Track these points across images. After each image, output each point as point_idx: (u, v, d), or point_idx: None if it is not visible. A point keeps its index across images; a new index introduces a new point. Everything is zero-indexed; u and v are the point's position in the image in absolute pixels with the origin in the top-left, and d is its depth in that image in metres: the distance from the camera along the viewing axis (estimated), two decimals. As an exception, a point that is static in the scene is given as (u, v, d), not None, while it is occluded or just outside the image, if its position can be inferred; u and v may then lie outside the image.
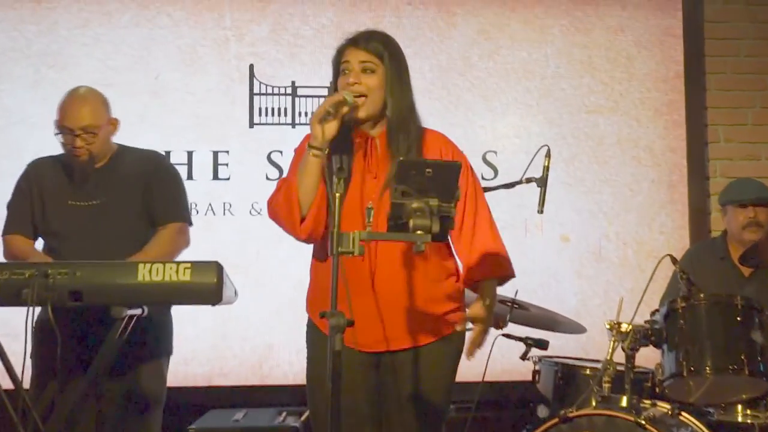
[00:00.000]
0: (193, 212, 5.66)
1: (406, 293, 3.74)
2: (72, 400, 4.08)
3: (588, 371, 4.93)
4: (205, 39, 6.71)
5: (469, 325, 3.82)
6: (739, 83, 7.00)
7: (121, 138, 4.76)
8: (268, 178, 6.58)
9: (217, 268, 3.77)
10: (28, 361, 3.79)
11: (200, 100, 6.64)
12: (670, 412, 4.45)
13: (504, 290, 4.83)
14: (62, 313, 3.90)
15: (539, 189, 4.79)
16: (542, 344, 5.18)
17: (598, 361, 4.93)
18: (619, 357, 4.44)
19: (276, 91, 6.69)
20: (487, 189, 4.76)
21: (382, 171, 3.75)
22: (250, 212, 6.55)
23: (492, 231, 3.93)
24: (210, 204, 6.44)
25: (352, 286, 3.45)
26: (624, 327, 4.43)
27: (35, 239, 4.68)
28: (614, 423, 4.24)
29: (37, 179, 4.68)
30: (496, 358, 5.00)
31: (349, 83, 3.73)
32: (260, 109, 6.67)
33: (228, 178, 6.60)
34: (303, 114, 6.65)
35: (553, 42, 6.91)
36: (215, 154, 6.61)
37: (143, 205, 4.62)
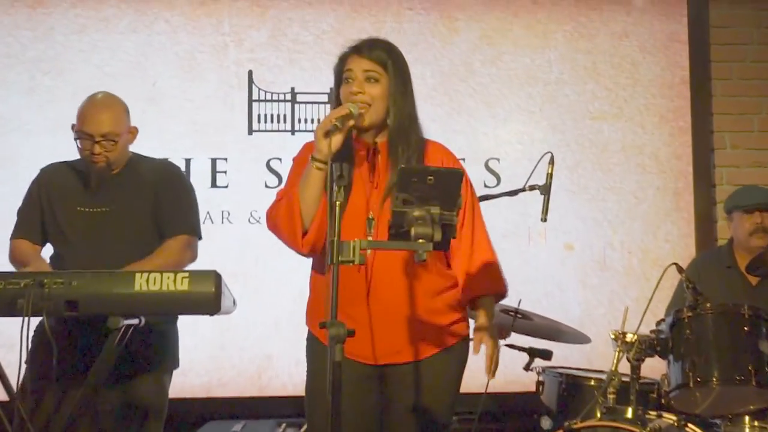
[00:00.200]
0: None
1: (409, 304, 3.70)
2: (69, 411, 4.05)
3: (592, 382, 4.89)
4: (203, 45, 6.70)
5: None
6: (745, 89, 6.99)
7: (118, 145, 4.73)
8: (267, 186, 6.55)
9: (216, 277, 3.75)
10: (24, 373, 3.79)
11: (198, 107, 6.63)
12: (676, 424, 4.42)
13: (507, 300, 4.80)
14: (61, 322, 4.00)
15: (542, 196, 4.76)
16: (546, 354, 5.15)
17: (602, 371, 4.90)
18: (624, 368, 4.41)
19: (275, 97, 6.67)
20: (489, 197, 4.85)
21: (382, 181, 3.72)
22: (249, 220, 6.53)
23: (489, 246, 3.90)
24: (208, 212, 6.38)
25: (353, 298, 3.48)
26: (629, 337, 4.39)
27: (42, 244, 4.65)
28: (619, 435, 4.20)
29: (47, 184, 4.64)
30: (499, 369, 4.82)
31: (352, 92, 3.69)
32: (259, 115, 6.66)
33: (226, 186, 6.58)
34: (302, 121, 6.64)
35: (557, 47, 6.90)
36: (213, 161, 6.59)
37: (153, 215, 4.58)
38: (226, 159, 6.59)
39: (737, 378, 4.28)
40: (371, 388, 3.76)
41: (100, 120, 4.46)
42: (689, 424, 4.43)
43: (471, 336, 3.83)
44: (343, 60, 3.79)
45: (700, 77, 6.95)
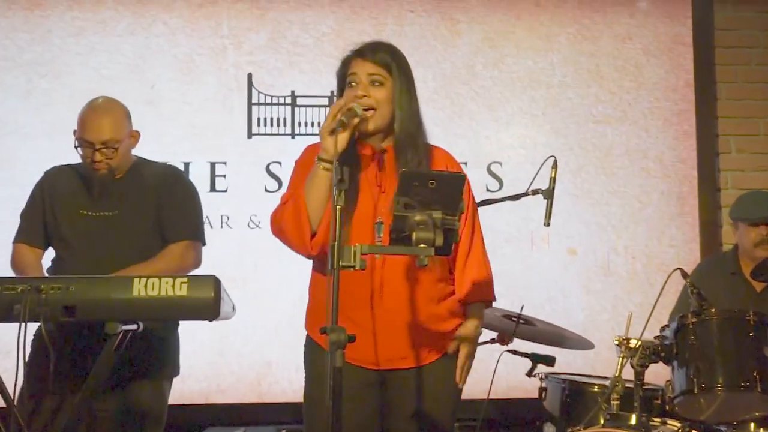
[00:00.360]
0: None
1: (414, 310, 3.70)
2: (67, 417, 4.04)
3: (596, 388, 4.87)
4: (202, 47, 6.67)
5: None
6: (750, 92, 6.97)
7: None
8: (266, 190, 6.53)
9: (215, 282, 3.73)
10: (21, 379, 3.75)
11: (197, 110, 6.60)
12: (680, 431, 4.37)
13: (510, 305, 4.77)
14: (59, 327, 3.95)
15: (545, 201, 4.70)
16: (549, 360, 5.16)
17: (606, 377, 4.86)
18: (628, 374, 4.36)
19: (275, 100, 6.64)
20: (491, 201, 4.84)
21: (390, 185, 3.68)
22: (249, 225, 6.50)
23: (485, 255, 3.92)
24: (207, 217, 6.23)
25: (358, 302, 3.51)
26: (633, 343, 4.34)
27: (44, 248, 4.65)
28: (623, 441, 4.19)
29: (50, 187, 4.64)
30: (501, 375, 5.01)
31: (357, 96, 3.67)
32: (259, 119, 6.63)
33: (225, 190, 6.55)
34: (303, 124, 6.62)
35: (560, 50, 6.87)
36: (212, 165, 6.56)
37: (156, 220, 4.57)
38: (225, 163, 6.56)
39: (742, 384, 4.24)
40: (373, 394, 3.74)
41: (100, 127, 4.44)
42: (693, 431, 4.38)
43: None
44: (346, 64, 3.79)
45: (705, 80, 6.92)
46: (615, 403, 4.31)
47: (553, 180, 4.71)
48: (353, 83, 3.71)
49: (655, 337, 4.46)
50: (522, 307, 4.94)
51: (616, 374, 4.34)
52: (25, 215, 4.68)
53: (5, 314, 3.64)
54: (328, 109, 6.42)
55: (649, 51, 6.90)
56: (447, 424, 3.83)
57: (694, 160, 6.81)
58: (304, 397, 3.82)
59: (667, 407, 4.52)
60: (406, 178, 3.12)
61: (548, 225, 4.66)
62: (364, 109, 3.62)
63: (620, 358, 4.35)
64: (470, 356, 3.78)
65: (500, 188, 6.57)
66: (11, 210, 4.81)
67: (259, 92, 6.62)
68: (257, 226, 6.45)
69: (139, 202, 4.56)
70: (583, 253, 6.70)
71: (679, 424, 4.40)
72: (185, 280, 3.71)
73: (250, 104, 6.62)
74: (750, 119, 6.93)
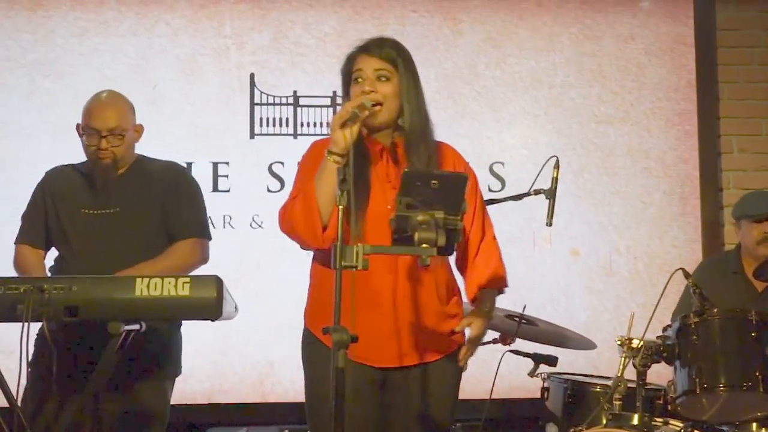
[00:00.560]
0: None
1: (420, 309, 3.69)
2: (70, 417, 4.01)
3: (598, 388, 4.84)
4: (204, 48, 6.67)
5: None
6: (752, 92, 6.95)
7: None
8: (269, 190, 6.52)
9: (217, 282, 3.73)
10: (24, 379, 3.77)
11: (199, 111, 6.59)
12: (682, 431, 4.39)
13: (512, 305, 4.76)
14: (62, 327, 3.96)
15: (548, 201, 4.71)
16: (551, 360, 5.13)
17: (608, 378, 4.88)
18: (630, 374, 4.37)
19: (277, 100, 6.64)
20: (494, 201, 4.83)
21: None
22: (251, 225, 6.50)
23: (496, 245, 3.92)
24: (210, 217, 6.26)
25: (368, 300, 3.52)
26: (635, 343, 4.35)
27: (46, 249, 4.64)
28: (625, 441, 4.19)
29: (51, 187, 4.63)
30: (503, 375, 4.96)
31: (365, 91, 3.66)
32: (261, 119, 6.62)
33: (228, 190, 6.55)
34: (305, 124, 6.61)
35: (562, 50, 6.87)
36: (215, 165, 6.55)
37: (161, 217, 4.56)
38: (227, 163, 6.55)
39: (744, 384, 4.24)
40: (375, 392, 3.74)
41: (107, 115, 4.46)
42: (696, 431, 4.40)
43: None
44: (351, 60, 3.77)
45: (707, 80, 6.91)
46: (617, 403, 4.32)
47: (555, 180, 4.71)
48: (359, 79, 3.70)
49: (658, 337, 4.46)
50: (524, 307, 4.91)
51: (619, 374, 4.34)
52: (26, 216, 4.67)
53: (8, 314, 3.64)
54: (330, 109, 6.52)
55: (651, 51, 6.89)
56: (447, 423, 3.83)
57: (696, 160, 6.81)
58: (306, 395, 3.84)
59: (669, 407, 4.49)
60: (408, 178, 3.11)
61: (550, 225, 4.67)
62: (372, 105, 3.61)
63: (622, 358, 4.35)
64: (477, 340, 3.75)
65: (502, 188, 6.58)
66: (13, 210, 4.83)
67: (261, 92, 6.62)
68: (260, 226, 6.45)
69: (142, 198, 4.55)
70: (586, 254, 6.69)
71: (681, 424, 4.41)
72: (188, 279, 3.71)
73: (252, 104, 6.61)
74: (752, 119, 6.91)
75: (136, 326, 3.90)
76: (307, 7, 6.73)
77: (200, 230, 4.66)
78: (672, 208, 6.77)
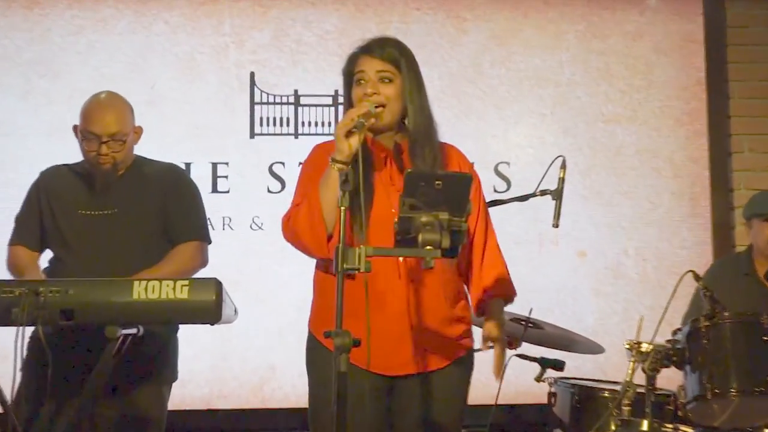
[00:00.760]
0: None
1: (428, 313, 3.69)
2: (66, 422, 4.05)
3: (607, 393, 4.82)
4: (203, 46, 6.66)
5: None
6: (763, 91, 6.92)
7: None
8: (269, 191, 6.51)
9: (216, 285, 3.72)
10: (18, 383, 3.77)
11: (198, 110, 6.58)
12: (693, 437, 4.37)
13: (518, 308, 4.71)
14: (58, 331, 3.96)
15: (554, 202, 4.67)
16: (558, 365, 5.06)
17: (617, 382, 4.84)
18: (640, 378, 4.30)
19: (278, 100, 6.62)
20: (499, 202, 4.87)
21: None
22: (251, 227, 6.48)
23: (500, 252, 3.94)
24: (209, 218, 6.23)
25: (377, 305, 3.48)
26: (644, 347, 4.27)
27: (41, 251, 4.62)
28: (634, 448, 4.18)
29: (46, 187, 4.61)
30: (509, 380, 4.85)
31: (367, 94, 3.66)
32: (261, 118, 6.60)
33: (227, 191, 6.53)
34: (306, 124, 6.59)
35: (569, 48, 6.86)
36: (214, 165, 6.53)
37: (160, 219, 4.55)
38: (227, 163, 6.53)
39: (756, 389, 4.17)
40: (382, 399, 3.72)
41: (108, 120, 4.42)
42: (706, 437, 4.38)
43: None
44: (353, 60, 3.77)
45: (717, 79, 6.89)
46: (626, 408, 4.24)
47: (561, 180, 4.68)
48: (362, 81, 3.70)
49: (667, 341, 4.39)
50: (530, 311, 4.88)
51: (627, 379, 4.26)
52: (20, 217, 4.64)
53: (3, 317, 3.62)
54: (332, 108, 6.52)
55: (659, 49, 6.87)
56: (456, 430, 3.82)
57: (705, 160, 6.79)
58: (309, 400, 3.81)
59: (679, 413, 4.47)
60: (411, 178, 3.11)
61: (557, 226, 4.63)
62: (375, 107, 3.59)
63: (631, 363, 4.28)
64: (504, 351, 3.77)
65: (508, 189, 6.56)
66: (9, 211, 4.77)
67: (261, 91, 6.60)
68: (260, 227, 6.45)
69: (141, 200, 4.53)
70: (593, 255, 6.68)
71: (691, 430, 4.35)
72: (186, 282, 3.70)
73: (252, 104, 6.60)
74: (763, 118, 6.88)
75: (134, 330, 3.89)
76: (308, 5, 6.73)
77: (201, 234, 4.64)
78: (681, 209, 6.75)
